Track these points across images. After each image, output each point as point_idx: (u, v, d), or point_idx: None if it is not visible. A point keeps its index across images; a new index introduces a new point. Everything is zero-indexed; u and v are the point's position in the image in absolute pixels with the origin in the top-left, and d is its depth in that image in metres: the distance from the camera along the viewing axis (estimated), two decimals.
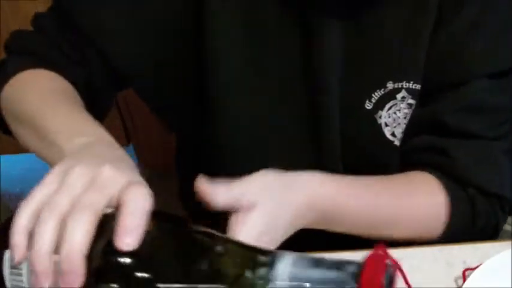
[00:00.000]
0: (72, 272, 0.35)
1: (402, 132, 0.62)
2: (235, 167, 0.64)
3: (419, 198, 0.60)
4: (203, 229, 0.40)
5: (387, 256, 0.37)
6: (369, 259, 0.36)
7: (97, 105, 0.63)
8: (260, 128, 0.65)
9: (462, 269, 0.55)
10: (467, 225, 0.60)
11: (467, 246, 0.58)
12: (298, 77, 0.61)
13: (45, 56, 0.62)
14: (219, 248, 0.39)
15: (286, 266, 0.37)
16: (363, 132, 0.63)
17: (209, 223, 0.41)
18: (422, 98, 0.61)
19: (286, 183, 0.53)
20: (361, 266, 0.36)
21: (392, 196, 0.59)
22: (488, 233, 0.62)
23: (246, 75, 0.62)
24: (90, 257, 0.36)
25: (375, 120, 0.62)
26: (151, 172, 1.39)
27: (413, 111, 0.62)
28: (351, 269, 0.36)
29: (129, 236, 0.36)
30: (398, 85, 0.60)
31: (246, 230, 0.49)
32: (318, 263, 0.37)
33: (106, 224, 0.38)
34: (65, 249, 0.35)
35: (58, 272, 0.36)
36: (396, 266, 0.37)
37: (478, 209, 0.60)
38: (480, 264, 0.55)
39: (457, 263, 0.56)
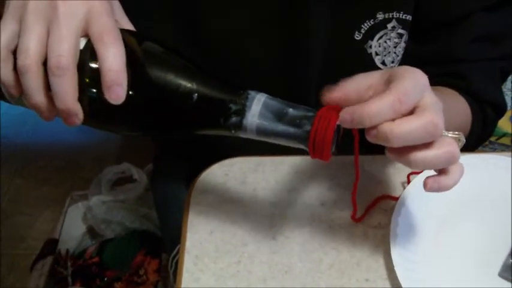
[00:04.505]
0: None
1: (392, 62, 0.66)
2: None
3: (464, 106, 0.68)
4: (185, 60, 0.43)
5: (338, 116, 0.41)
6: (321, 119, 0.40)
7: None
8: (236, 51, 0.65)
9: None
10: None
11: None
12: (282, 4, 0.61)
13: None
14: (201, 80, 0.42)
15: (254, 116, 0.41)
16: (353, 62, 0.65)
17: None
18: (424, 34, 0.65)
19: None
20: (313, 124, 0.40)
21: (450, 103, 0.65)
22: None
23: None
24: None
25: (365, 50, 0.64)
26: None
27: (416, 47, 0.66)
28: (307, 127, 0.41)
29: (115, 91, 0.39)
30: (388, 15, 0.62)
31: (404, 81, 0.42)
32: (282, 117, 0.41)
33: (83, 61, 0.40)
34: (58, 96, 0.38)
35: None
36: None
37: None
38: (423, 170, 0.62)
39: (405, 169, 0.61)
